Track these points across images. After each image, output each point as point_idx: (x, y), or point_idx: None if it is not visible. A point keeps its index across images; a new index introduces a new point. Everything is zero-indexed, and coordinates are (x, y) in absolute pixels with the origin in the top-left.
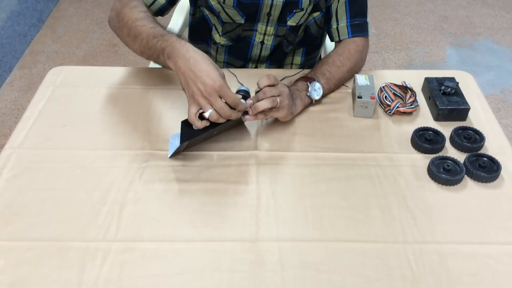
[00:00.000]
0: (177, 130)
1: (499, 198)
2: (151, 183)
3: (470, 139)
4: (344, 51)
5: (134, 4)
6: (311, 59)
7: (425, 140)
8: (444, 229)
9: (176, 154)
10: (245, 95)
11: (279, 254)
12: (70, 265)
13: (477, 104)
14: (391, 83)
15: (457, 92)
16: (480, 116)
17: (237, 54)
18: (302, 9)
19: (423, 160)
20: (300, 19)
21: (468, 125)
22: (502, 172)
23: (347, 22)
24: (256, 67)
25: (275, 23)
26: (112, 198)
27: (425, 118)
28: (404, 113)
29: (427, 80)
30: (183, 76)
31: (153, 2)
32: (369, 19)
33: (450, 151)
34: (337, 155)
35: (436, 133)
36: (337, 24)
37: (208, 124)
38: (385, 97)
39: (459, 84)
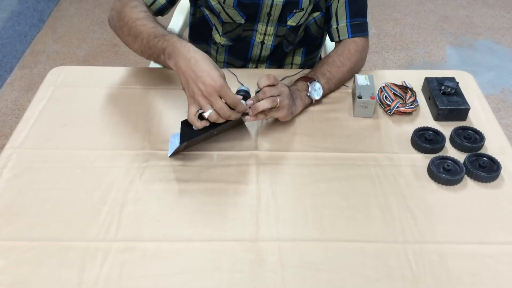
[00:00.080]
0: (177, 130)
1: (499, 198)
2: (151, 183)
3: (470, 139)
4: (344, 51)
5: (134, 3)
6: (311, 59)
7: (425, 140)
8: (444, 229)
9: (175, 154)
10: (245, 95)
11: (279, 254)
12: (70, 265)
13: (477, 104)
14: (391, 83)
15: (457, 92)
16: (480, 116)
17: (237, 54)
18: (302, 9)
19: (423, 160)
20: (300, 19)
21: (468, 125)
22: (502, 172)
23: (347, 22)
24: (256, 67)
25: (275, 23)
26: (112, 198)
27: (425, 118)
28: (404, 113)
29: (427, 80)
30: (184, 76)
31: (153, 2)
32: (369, 19)
33: (450, 151)
34: (337, 155)
35: (436, 133)
36: (337, 24)
37: (207, 124)
38: (385, 97)
39: (459, 84)
